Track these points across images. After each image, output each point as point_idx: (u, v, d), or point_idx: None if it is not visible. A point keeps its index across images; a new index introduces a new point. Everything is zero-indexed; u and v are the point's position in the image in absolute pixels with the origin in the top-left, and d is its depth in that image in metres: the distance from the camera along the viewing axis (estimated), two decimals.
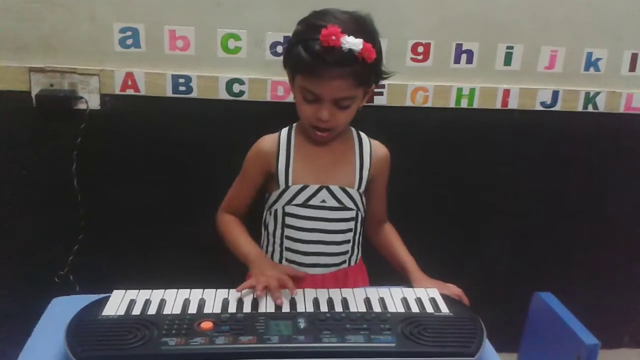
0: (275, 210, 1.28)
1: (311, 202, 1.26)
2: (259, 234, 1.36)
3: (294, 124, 1.32)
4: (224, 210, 1.36)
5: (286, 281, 1.10)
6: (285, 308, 1.04)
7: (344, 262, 1.31)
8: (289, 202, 1.26)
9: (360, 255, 1.37)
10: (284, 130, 1.31)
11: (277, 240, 1.30)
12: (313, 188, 1.25)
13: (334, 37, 1.09)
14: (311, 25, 1.15)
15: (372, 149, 1.32)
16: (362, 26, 1.15)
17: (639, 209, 2.02)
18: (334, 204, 1.26)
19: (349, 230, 1.29)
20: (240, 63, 1.70)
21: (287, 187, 1.26)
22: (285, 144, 1.29)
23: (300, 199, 1.26)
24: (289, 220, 1.27)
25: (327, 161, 1.28)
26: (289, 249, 1.29)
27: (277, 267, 1.20)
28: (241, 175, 1.34)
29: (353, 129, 1.33)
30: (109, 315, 0.99)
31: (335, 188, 1.26)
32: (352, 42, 1.09)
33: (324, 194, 1.26)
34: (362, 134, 1.34)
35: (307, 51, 1.12)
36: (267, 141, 1.31)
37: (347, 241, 1.30)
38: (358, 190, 1.28)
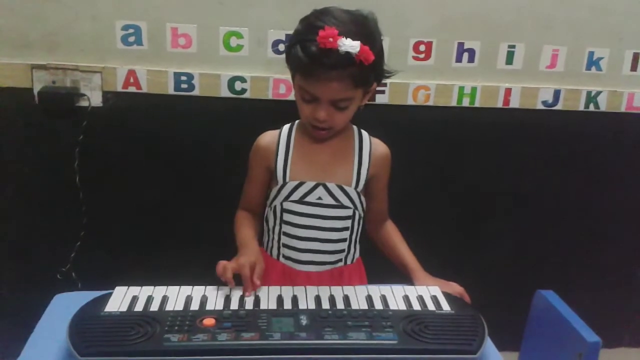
0: (275, 206, 1.28)
1: (307, 199, 1.25)
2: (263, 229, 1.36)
3: (297, 121, 1.32)
4: (239, 208, 1.37)
5: (247, 276, 1.08)
6: (287, 305, 1.04)
7: (340, 260, 1.31)
8: (286, 198, 1.26)
9: (358, 254, 1.36)
10: (286, 127, 1.31)
11: (276, 237, 1.30)
12: (310, 185, 1.25)
13: (331, 39, 1.07)
14: (310, 25, 1.13)
15: (372, 148, 1.31)
16: (361, 27, 1.13)
17: None
18: (331, 201, 1.26)
19: (346, 228, 1.29)
20: (242, 61, 1.70)
21: (284, 183, 1.26)
22: (285, 140, 1.29)
23: (296, 195, 1.25)
24: (287, 217, 1.27)
25: (326, 159, 1.28)
26: (285, 246, 1.29)
27: (250, 257, 1.15)
28: (248, 174, 1.34)
29: (355, 127, 1.32)
30: (111, 312, 0.99)
31: (332, 186, 1.25)
32: (349, 45, 1.08)
33: (320, 191, 1.25)
34: (364, 133, 1.33)
35: (305, 52, 1.11)
36: (266, 137, 1.31)
37: (344, 239, 1.30)
38: (356, 189, 1.27)
